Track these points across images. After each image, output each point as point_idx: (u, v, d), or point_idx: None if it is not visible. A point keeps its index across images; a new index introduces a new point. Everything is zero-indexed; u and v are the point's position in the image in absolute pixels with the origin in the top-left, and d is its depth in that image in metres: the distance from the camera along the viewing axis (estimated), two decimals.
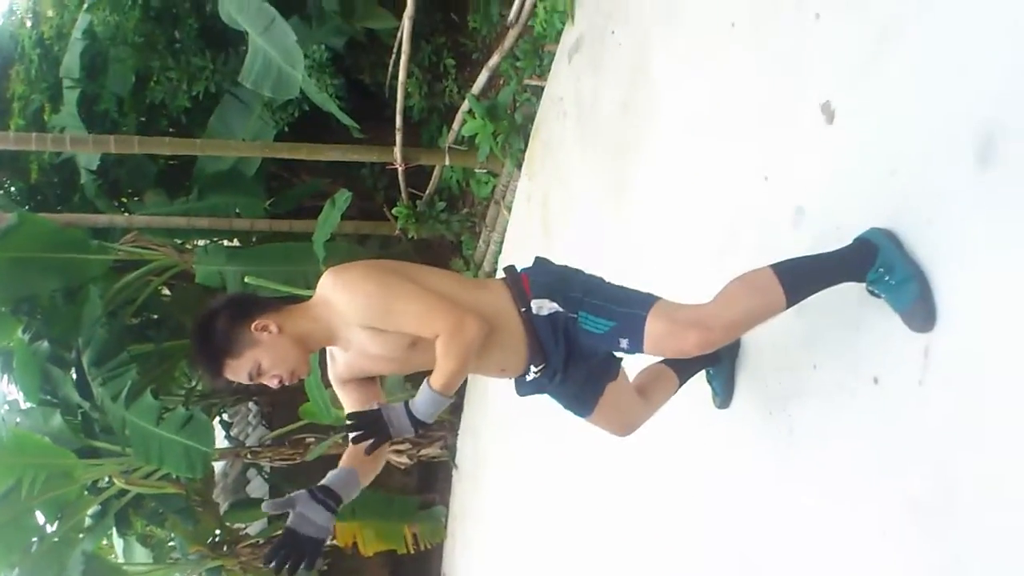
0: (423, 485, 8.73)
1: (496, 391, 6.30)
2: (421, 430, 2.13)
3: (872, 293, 2.12)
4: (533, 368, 2.34)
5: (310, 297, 2.25)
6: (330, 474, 2.09)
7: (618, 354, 2.37)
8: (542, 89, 5.35)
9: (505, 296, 2.26)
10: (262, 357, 2.13)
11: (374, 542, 7.83)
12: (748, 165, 2.84)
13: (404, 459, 7.83)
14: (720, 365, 2.85)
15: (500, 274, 2.40)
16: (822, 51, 2.45)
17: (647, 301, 2.16)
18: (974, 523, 1.81)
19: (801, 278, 2.10)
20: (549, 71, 5.22)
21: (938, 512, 1.90)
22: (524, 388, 2.48)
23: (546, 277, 2.29)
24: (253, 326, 2.11)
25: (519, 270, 2.33)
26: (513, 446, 5.87)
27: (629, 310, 2.15)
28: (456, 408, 7.84)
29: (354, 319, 2.11)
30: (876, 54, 2.20)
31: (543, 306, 2.23)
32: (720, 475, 2.97)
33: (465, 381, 7.21)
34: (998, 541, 1.75)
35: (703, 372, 2.90)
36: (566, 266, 2.39)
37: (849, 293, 2.19)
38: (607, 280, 2.32)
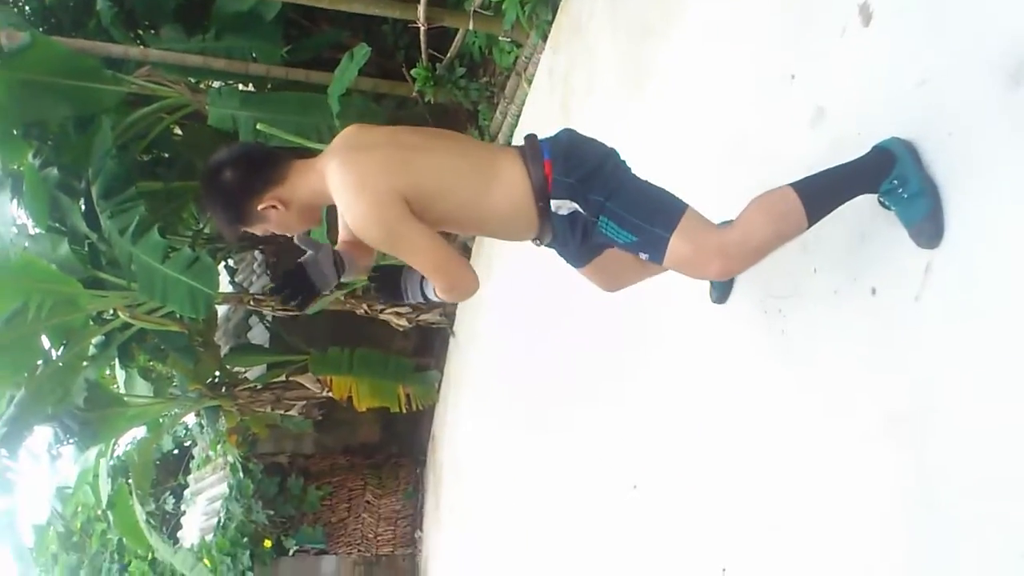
0: (420, 349, 8.91)
1: (501, 268, 6.33)
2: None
3: (883, 204, 2.10)
4: (542, 242, 2.36)
5: (318, 152, 2.24)
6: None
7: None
8: None
9: (523, 187, 2.18)
10: (271, 227, 2.22)
11: (368, 398, 8.05)
12: (776, 61, 2.76)
13: (404, 322, 7.95)
14: None
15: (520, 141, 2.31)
16: None
17: (673, 217, 2.09)
18: (947, 441, 1.85)
19: (822, 196, 2.08)
20: None
21: (915, 425, 1.94)
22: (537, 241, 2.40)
23: (569, 174, 2.17)
24: (260, 206, 2.15)
25: (543, 152, 2.21)
26: (510, 320, 5.95)
27: (652, 229, 2.10)
28: None
29: (355, 231, 2.14)
30: None
31: (562, 206, 2.19)
32: (709, 368, 3.02)
33: (469, 251, 7.28)
34: (966, 460, 1.79)
35: None
36: (594, 147, 2.28)
37: (860, 202, 2.17)
38: (634, 177, 2.25)
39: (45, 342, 6.72)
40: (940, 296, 1.92)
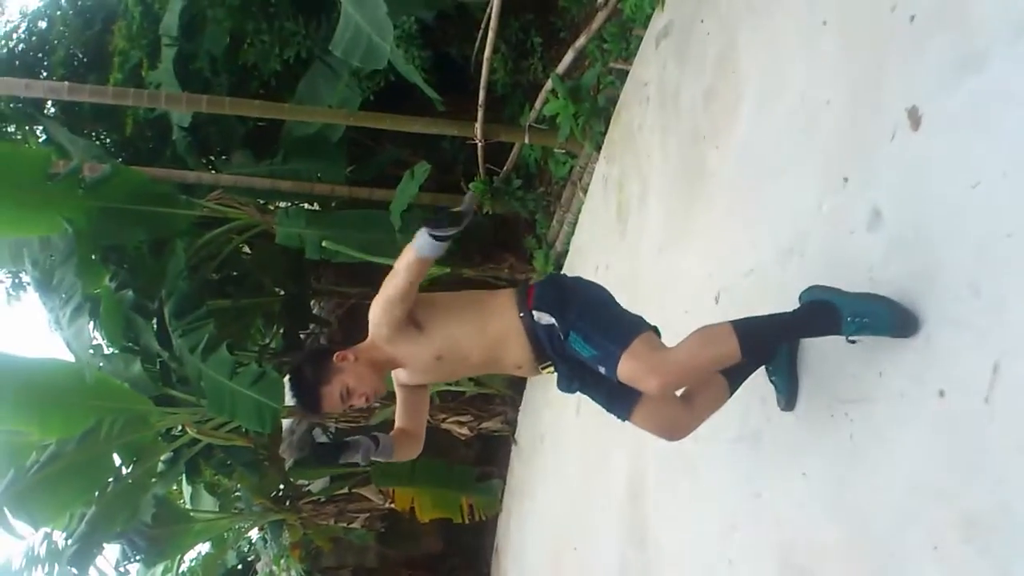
0: (482, 457, 8.86)
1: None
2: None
3: (852, 342, 2.33)
4: (542, 367, 2.69)
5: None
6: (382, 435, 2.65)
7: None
8: (627, 73, 5.32)
9: (510, 303, 2.63)
10: (347, 380, 2.60)
11: (431, 509, 7.98)
12: (829, 164, 2.80)
13: (465, 431, 7.94)
14: (777, 362, 2.83)
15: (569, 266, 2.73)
16: (914, 54, 2.40)
17: (628, 338, 2.42)
18: None
19: (757, 336, 2.40)
20: (635, 55, 5.18)
21: (993, 531, 1.88)
22: (558, 385, 2.81)
23: (549, 293, 2.61)
24: (335, 358, 2.61)
25: (529, 285, 2.68)
26: (571, 428, 5.91)
27: (609, 345, 2.43)
28: (518, 384, 7.91)
29: (376, 332, 2.63)
30: (966, 65, 2.15)
31: (542, 318, 2.56)
32: (779, 477, 2.96)
33: None
34: None
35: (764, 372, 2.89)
36: (575, 281, 2.74)
37: (923, 305, 2.16)
38: (607, 301, 2.65)
39: (116, 460, 6.85)
40: (1010, 396, 1.88)
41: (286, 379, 2.80)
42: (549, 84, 5.76)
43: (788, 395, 2.88)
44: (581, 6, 6.09)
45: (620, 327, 2.49)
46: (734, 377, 2.81)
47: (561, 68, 5.73)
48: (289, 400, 3.14)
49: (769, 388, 2.96)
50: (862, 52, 2.69)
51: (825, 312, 2.31)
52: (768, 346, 2.43)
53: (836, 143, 2.78)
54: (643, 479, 4.40)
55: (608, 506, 4.95)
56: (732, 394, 2.85)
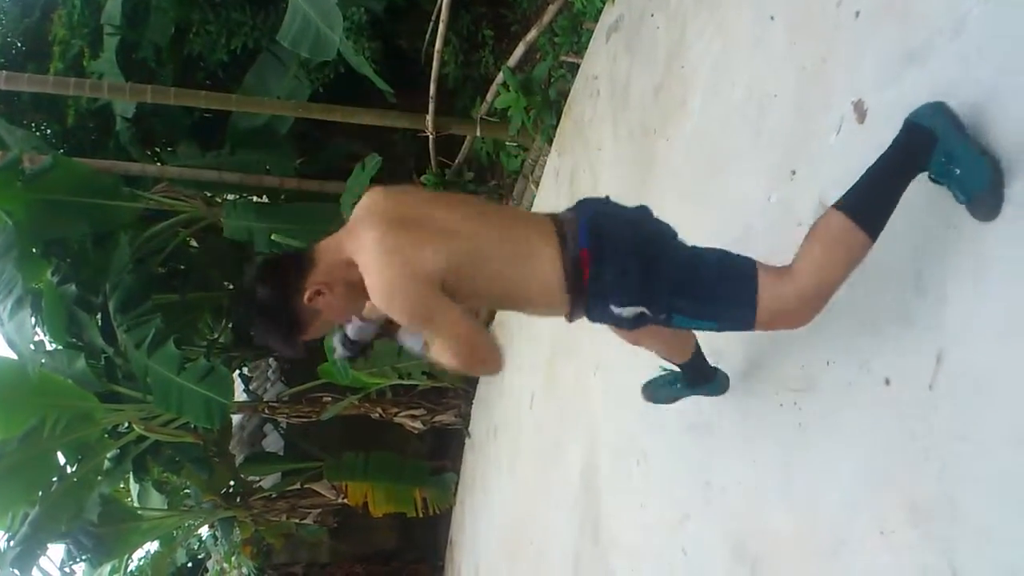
0: (436, 451, 8.85)
1: (513, 366, 6.34)
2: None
3: (935, 181, 1.95)
4: (573, 320, 2.19)
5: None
6: None
7: None
8: (577, 66, 5.34)
9: (555, 276, 2.05)
10: (329, 318, 2.11)
11: (384, 503, 7.96)
12: (776, 157, 2.83)
13: (418, 424, 7.92)
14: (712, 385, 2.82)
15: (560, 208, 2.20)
16: (859, 49, 2.44)
17: (747, 292, 2.00)
18: (971, 531, 1.83)
19: (872, 206, 1.94)
20: (586, 49, 5.20)
21: (937, 515, 1.92)
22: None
23: (626, 279, 2.03)
24: (306, 299, 2.03)
25: (580, 239, 2.06)
26: (524, 421, 5.92)
27: (736, 311, 2.03)
28: (471, 378, 7.91)
29: (378, 301, 2.01)
30: (909, 59, 2.19)
31: (624, 311, 2.06)
32: (729, 466, 3.00)
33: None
34: (992, 552, 1.77)
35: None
36: (636, 233, 2.11)
37: (866, 295, 2.21)
38: (688, 254, 2.11)
39: (60, 458, 6.71)
40: (952, 384, 1.93)
41: (250, 330, 2.22)
42: (500, 77, 5.76)
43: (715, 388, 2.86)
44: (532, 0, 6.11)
45: (729, 283, 2.04)
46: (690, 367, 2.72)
47: (512, 61, 5.73)
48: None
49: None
50: (809, 46, 2.73)
51: (921, 140, 1.90)
52: (887, 208, 1.92)
53: (784, 136, 2.82)
54: (596, 471, 4.43)
55: (562, 497, 4.98)
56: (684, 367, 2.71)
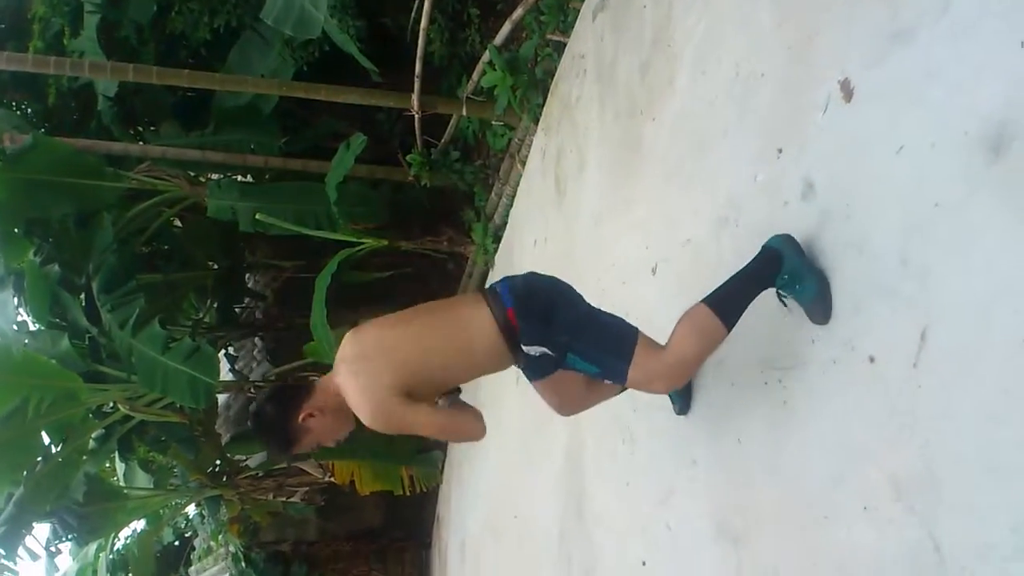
0: None
1: None
2: None
3: (780, 296, 2.50)
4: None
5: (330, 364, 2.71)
6: None
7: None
8: (564, 45, 5.32)
9: (493, 335, 2.56)
10: (318, 438, 2.62)
11: (371, 481, 7.98)
12: (763, 135, 2.84)
13: None
14: None
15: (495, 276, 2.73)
16: (846, 27, 2.44)
17: (627, 349, 2.52)
18: (952, 505, 1.86)
19: (730, 304, 2.49)
20: (572, 28, 5.18)
21: (919, 490, 1.96)
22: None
23: (534, 324, 2.55)
24: (300, 419, 2.55)
25: (504, 301, 2.58)
26: (510, 398, 5.95)
27: (614, 361, 2.53)
28: None
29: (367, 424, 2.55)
30: (896, 38, 2.20)
31: (533, 351, 2.58)
32: (714, 443, 3.03)
33: None
34: (972, 525, 1.80)
35: None
36: (550, 293, 2.65)
37: (851, 274, 2.23)
38: (588, 312, 2.64)
39: (44, 438, 6.69)
40: (936, 362, 1.95)
41: (256, 432, 2.73)
42: (486, 56, 5.73)
43: (682, 403, 3.17)
44: None
45: (615, 339, 2.57)
46: None
47: (498, 40, 5.70)
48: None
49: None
50: (796, 25, 2.73)
51: (771, 260, 2.45)
52: (741, 308, 2.48)
53: (770, 115, 2.83)
54: (581, 447, 4.47)
55: (547, 475, 5.01)
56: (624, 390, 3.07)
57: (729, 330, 2.46)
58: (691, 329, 2.48)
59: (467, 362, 2.62)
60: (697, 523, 3.09)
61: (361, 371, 2.50)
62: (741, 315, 2.47)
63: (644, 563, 3.56)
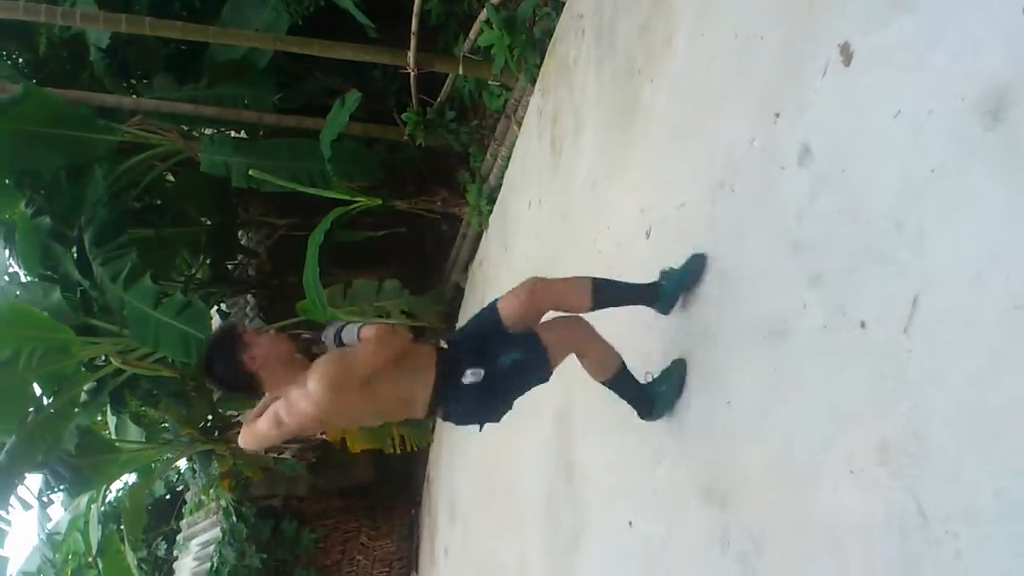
0: None
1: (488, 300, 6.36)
2: None
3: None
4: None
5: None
6: None
7: None
8: (563, 5, 5.26)
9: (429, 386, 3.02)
10: (267, 382, 2.83)
11: (362, 440, 8.03)
12: (761, 99, 2.83)
13: None
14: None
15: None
16: None
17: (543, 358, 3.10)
18: (937, 470, 1.88)
19: (608, 293, 3.19)
20: None
21: (905, 455, 1.97)
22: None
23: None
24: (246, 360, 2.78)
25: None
26: None
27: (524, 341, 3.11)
28: (450, 317, 7.94)
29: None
30: (898, 2, 2.18)
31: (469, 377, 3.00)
32: (703, 406, 3.05)
33: (462, 291, 7.30)
34: (956, 490, 1.82)
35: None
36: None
37: (845, 239, 2.23)
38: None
39: (36, 390, 6.70)
40: (927, 328, 1.96)
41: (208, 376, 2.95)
42: (484, 14, 5.66)
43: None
44: None
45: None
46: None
47: None
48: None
49: (696, 324, 3.04)
50: None
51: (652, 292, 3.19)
52: (610, 303, 3.21)
53: (769, 78, 2.81)
54: (570, 410, 4.49)
55: (537, 436, 5.05)
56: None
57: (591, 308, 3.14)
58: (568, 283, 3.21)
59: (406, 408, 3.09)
60: (684, 485, 3.11)
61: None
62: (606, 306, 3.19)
63: (631, 523, 3.60)
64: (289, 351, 2.87)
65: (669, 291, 3.13)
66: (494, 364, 3.00)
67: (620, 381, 3.18)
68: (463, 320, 7.64)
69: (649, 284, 3.18)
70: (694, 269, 3.05)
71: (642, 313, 3.30)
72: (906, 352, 2.00)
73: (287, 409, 2.77)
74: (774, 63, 2.79)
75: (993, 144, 1.83)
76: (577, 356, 3.15)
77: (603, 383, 3.20)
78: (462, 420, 3.24)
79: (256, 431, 2.86)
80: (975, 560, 1.76)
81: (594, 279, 3.15)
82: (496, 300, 3.17)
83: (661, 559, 3.30)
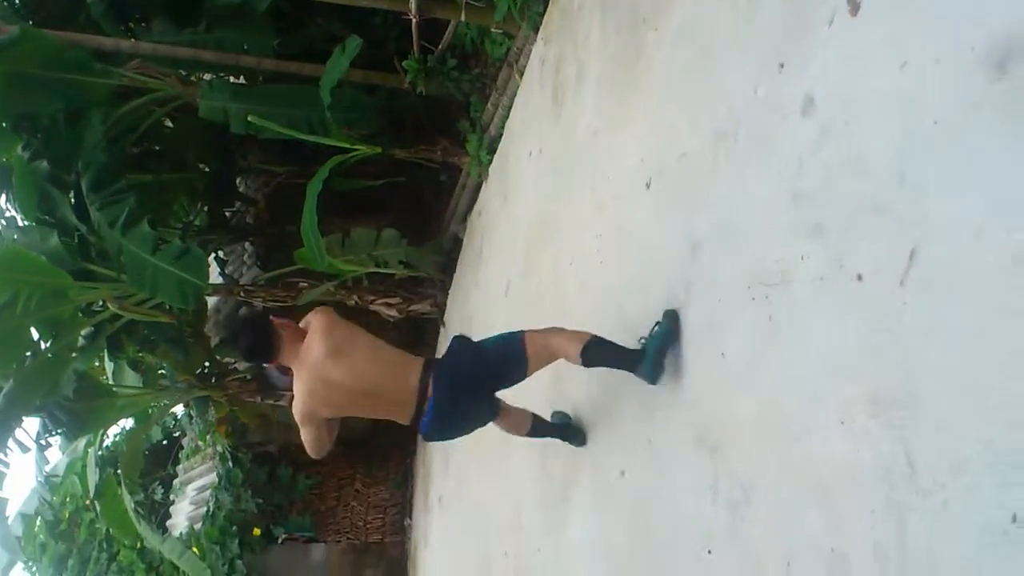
0: (411, 339, 8.91)
1: (489, 257, 6.36)
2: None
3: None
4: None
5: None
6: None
7: None
8: None
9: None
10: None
11: None
12: (766, 49, 2.79)
13: (394, 312, 7.97)
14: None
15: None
16: None
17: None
18: (931, 423, 1.89)
19: (600, 352, 3.37)
20: None
21: (896, 407, 1.98)
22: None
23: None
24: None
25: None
26: (499, 310, 5.98)
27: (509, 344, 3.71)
28: (448, 267, 7.94)
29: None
30: None
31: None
32: (698, 357, 3.06)
33: (460, 242, 7.30)
34: (950, 443, 1.83)
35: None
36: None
37: (844, 191, 2.22)
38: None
39: (34, 334, 6.71)
40: (923, 281, 1.96)
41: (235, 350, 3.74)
42: None
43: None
44: None
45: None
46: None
47: None
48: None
49: (696, 273, 3.04)
50: None
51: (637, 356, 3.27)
52: (601, 363, 3.43)
53: (774, 27, 2.77)
54: (566, 363, 4.49)
55: (532, 390, 5.06)
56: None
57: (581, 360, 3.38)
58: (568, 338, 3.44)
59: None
60: (676, 434, 3.14)
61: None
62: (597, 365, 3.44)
63: (623, 473, 3.63)
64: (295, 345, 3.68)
65: (651, 354, 3.20)
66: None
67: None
68: (459, 272, 7.64)
69: (633, 350, 3.30)
70: (669, 329, 3.17)
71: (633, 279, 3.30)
72: (902, 304, 2.00)
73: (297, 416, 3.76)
74: (780, 12, 2.75)
75: (998, 97, 1.81)
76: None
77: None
78: (434, 433, 3.84)
79: (307, 443, 3.89)
80: (961, 510, 1.78)
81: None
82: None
83: (652, 508, 3.33)
